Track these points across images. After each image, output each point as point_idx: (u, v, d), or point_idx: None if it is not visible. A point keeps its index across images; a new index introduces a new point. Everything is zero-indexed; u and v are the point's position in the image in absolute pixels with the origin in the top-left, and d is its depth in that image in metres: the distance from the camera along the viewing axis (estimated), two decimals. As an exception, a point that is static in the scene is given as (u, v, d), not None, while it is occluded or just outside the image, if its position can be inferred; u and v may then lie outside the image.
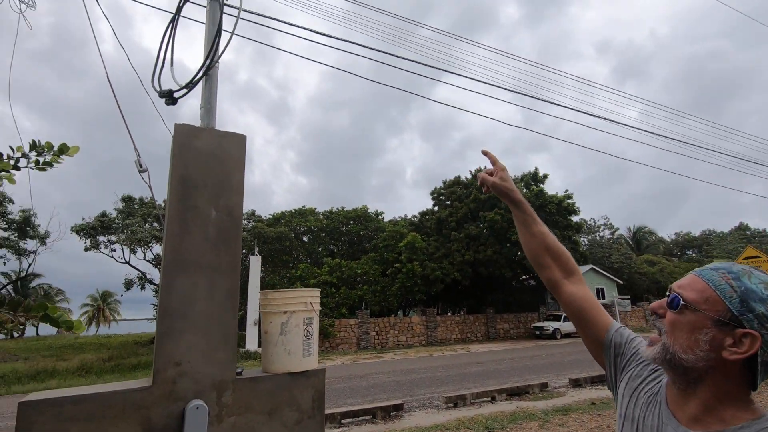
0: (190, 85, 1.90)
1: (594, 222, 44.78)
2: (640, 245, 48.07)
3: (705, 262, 43.15)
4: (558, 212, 24.61)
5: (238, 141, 1.72)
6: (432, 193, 28.86)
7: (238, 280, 1.61)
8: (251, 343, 18.79)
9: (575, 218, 25.96)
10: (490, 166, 1.32)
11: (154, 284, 26.42)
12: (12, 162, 1.26)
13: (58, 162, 1.32)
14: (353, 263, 25.32)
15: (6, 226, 22.52)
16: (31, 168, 1.31)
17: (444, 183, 28.69)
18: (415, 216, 30.86)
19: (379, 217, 32.20)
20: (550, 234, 1.22)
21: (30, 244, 23.55)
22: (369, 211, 31.54)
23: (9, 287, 28.03)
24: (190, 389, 1.44)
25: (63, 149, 1.27)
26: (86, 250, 24.39)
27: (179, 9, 2.10)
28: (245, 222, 30.02)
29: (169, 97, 1.97)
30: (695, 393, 0.79)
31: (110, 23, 2.79)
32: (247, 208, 42.01)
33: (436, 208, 28.69)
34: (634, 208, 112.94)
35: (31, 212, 23.00)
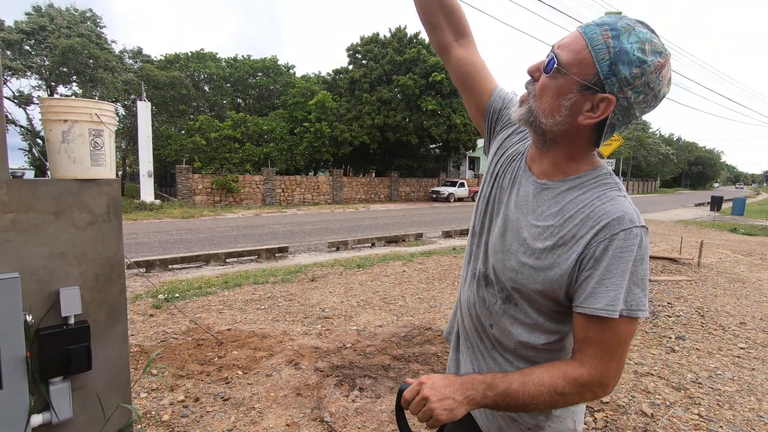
0: None
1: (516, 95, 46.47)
2: None
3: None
4: None
5: None
6: (348, 50, 27.01)
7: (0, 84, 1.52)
8: (147, 195, 18.07)
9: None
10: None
11: None
12: None
13: None
14: (260, 119, 24.08)
15: None
16: None
17: (361, 39, 26.79)
18: (329, 73, 29.15)
19: (291, 70, 29.86)
20: None
21: None
22: (279, 63, 28.94)
23: None
24: (-49, 184, 1.45)
25: None
26: None
27: None
28: (131, 62, 25.94)
29: None
30: (549, 152, 0.85)
31: None
32: (132, 44, 35.71)
33: (351, 66, 27.23)
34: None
35: None
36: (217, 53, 28.28)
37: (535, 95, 0.82)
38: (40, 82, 22.49)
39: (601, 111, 0.76)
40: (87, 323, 1.71)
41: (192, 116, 25.69)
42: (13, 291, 1.51)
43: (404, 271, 6.74)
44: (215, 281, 5.85)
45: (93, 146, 1.71)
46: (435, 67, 23.99)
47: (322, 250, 8.69)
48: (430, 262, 7.47)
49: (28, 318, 1.57)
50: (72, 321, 1.69)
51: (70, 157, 1.68)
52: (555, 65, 0.77)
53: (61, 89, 23.13)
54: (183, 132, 23.54)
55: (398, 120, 24.18)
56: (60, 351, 1.62)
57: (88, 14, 23.59)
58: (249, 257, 7.53)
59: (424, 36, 27.43)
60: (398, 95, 24.86)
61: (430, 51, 25.53)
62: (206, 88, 27.92)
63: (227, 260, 7.23)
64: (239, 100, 29.09)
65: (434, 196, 26.61)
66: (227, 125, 22.31)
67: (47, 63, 20.88)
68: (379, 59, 25.42)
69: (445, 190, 26.31)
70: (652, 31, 0.75)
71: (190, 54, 27.41)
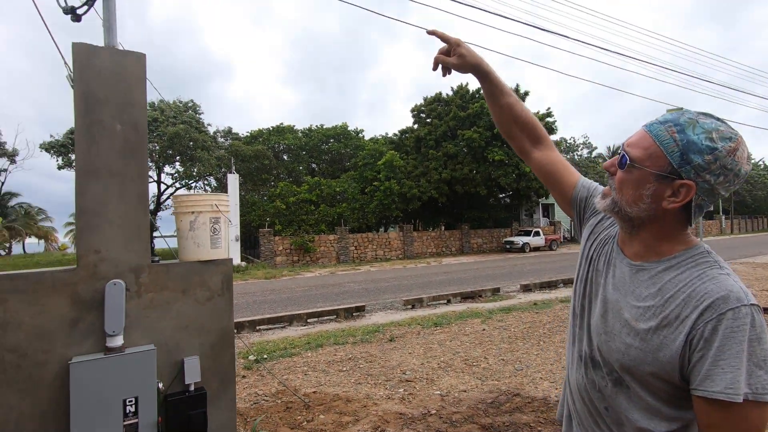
0: (90, 2, 1.98)
1: (574, 141, 45.07)
2: (618, 164, 49.00)
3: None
4: (536, 131, 24.65)
5: (138, 60, 1.87)
6: (412, 110, 28.32)
7: (146, 186, 1.88)
8: (234, 258, 19.65)
9: (553, 137, 26.16)
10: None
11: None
12: None
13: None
14: (333, 181, 25.61)
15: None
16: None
17: (425, 99, 28.03)
18: (395, 134, 30.58)
19: (360, 135, 31.86)
20: (519, 104, 1.20)
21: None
22: (349, 128, 31.11)
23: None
24: (110, 271, 1.78)
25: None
26: (59, 168, 24.00)
27: None
28: (222, 140, 29.47)
29: (73, 14, 2.06)
30: (639, 235, 0.90)
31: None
32: (223, 124, 40.70)
33: (416, 125, 28.37)
34: (626, 127, 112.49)
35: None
36: (294, 125, 31.22)
37: (616, 188, 0.89)
38: (150, 164, 26.26)
39: (683, 195, 0.81)
40: (204, 390, 1.91)
41: (273, 183, 28.07)
42: (150, 361, 1.75)
43: (484, 329, 6.49)
44: (299, 342, 6.08)
45: (213, 232, 2.01)
46: (499, 118, 24.14)
47: (398, 308, 8.70)
48: (511, 319, 7.13)
49: (160, 385, 1.80)
50: (192, 388, 1.90)
51: (195, 242, 1.98)
52: (627, 161, 0.85)
53: (167, 168, 26.77)
54: (265, 198, 25.69)
55: (465, 173, 24.31)
56: (183, 416, 1.82)
57: (189, 104, 27.58)
58: (328, 317, 7.76)
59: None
60: (464, 149, 25.18)
61: (493, 104, 25.89)
62: (285, 157, 30.62)
63: (308, 320, 7.51)
64: (314, 165, 31.37)
65: (508, 246, 25.67)
66: (304, 189, 23.98)
67: (157, 148, 24.41)
68: (443, 117, 26.24)
69: (520, 240, 25.30)
70: (718, 120, 0.81)
71: (271, 129, 30.57)
